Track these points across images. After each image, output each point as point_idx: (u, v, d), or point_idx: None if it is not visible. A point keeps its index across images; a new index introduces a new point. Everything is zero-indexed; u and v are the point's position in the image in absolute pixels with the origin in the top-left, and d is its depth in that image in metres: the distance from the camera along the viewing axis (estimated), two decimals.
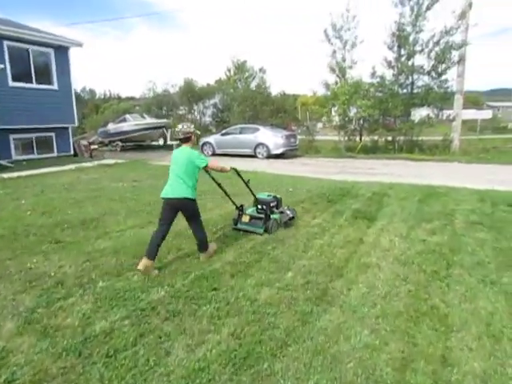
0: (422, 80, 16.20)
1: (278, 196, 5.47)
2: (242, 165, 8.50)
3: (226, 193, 4.81)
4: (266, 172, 10.76)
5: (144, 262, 3.63)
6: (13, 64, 12.76)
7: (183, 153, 3.95)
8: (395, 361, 2.45)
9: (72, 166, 11.61)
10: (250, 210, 5.21)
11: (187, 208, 3.94)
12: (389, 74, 16.52)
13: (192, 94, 24.18)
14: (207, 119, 26.50)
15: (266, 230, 4.93)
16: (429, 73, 15.83)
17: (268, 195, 5.35)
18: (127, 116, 21.55)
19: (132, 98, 38.34)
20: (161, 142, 22.33)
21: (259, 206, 5.16)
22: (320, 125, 23.75)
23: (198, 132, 4.28)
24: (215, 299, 3.17)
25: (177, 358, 2.43)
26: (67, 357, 2.42)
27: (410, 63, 15.91)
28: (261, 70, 28.27)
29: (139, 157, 16.43)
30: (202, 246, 4.08)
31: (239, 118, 21.48)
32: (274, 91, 26.80)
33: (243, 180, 4.87)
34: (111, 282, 3.44)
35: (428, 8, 15.31)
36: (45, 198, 7.15)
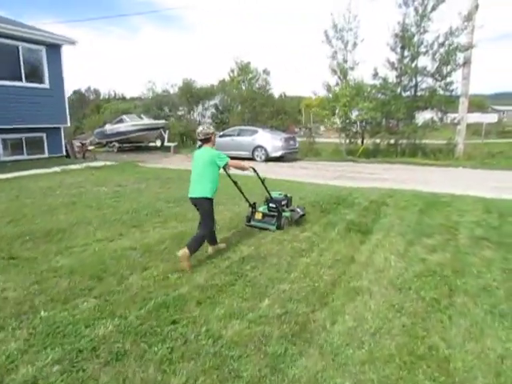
0: (426, 82, 15.76)
1: (289, 195, 5.71)
2: None
3: (241, 191, 5.02)
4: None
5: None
6: (2, 61, 12.34)
7: (204, 153, 4.12)
8: None
9: (58, 169, 11.13)
10: (262, 209, 5.47)
11: (202, 206, 4.09)
12: (391, 76, 16.08)
13: (191, 94, 23.69)
14: (207, 120, 26.06)
15: (278, 227, 5.18)
16: (433, 75, 15.34)
17: (279, 194, 5.60)
18: (124, 116, 21.15)
19: (137, 99, 37.95)
20: (158, 143, 21.89)
21: (270, 205, 5.39)
22: (323, 127, 23.31)
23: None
24: (171, 336, 2.66)
25: None
26: None
27: (413, 65, 15.42)
28: (264, 71, 27.83)
29: (134, 158, 16.01)
30: (192, 243, 3.91)
31: (238, 120, 21.01)
32: (276, 93, 26.34)
33: (260, 178, 5.09)
34: (54, 312, 2.93)
35: (433, 9, 14.83)
36: (18, 203, 6.67)
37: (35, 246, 4.50)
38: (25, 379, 2.22)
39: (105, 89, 58.81)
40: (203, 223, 4.13)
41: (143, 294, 3.30)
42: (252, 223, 5.36)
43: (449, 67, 14.95)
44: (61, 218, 5.74)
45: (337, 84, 16.97)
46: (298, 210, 5.57)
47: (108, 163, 13.10)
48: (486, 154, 15.70)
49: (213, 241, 4.33)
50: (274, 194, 5.48)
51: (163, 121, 21.43)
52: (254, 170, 4.87)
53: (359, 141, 17.99)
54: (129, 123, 20.05)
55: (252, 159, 14.96)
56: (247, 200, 5.25)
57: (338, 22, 16.16)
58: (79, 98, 42.45)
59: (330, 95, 17.13)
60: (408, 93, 16.14)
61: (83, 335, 2.64)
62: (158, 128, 20.52)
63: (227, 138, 16.02)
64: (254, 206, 5.37)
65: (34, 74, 13.46)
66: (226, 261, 4.10)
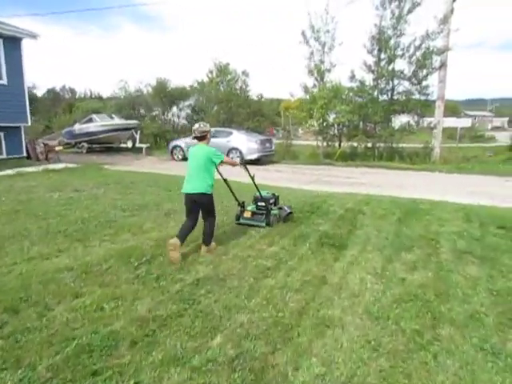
0: (403, 86, 15.65)
1: (276, 194, 5.89)
2: None
3: (230, 188, 5.05)
4: (233, 180, 9.66)
5: (174, 241, 3.91)
6: None
7: (200, 150, 4.19)
8: None
9: (11, 171, 10.21)
10: (250, 208, 5.58)
11: (204, 202, 4.17)
12: (368, 79, 15.88)
13: (165, 94, 22.83)
14: (182, 121, 25.23)
15: (267, 224, 5.32)
16: (409, 78, 15.24)
17: (267, 193, 5.69)
18: (94, 116, 20.14)
19: (113, 98, 36.62)
20: (129, 144, 20.97)
21: (259, 203, 5.51)
22: (301, 130, 22.95)
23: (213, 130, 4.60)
24: None
25: None
26: None
27: (390, 68, 15.26)
28: (243, 72, 27.22)
29: (103, 160, 15.14)
30: (207, 238, 4.27)
31: (214, 121, 20.35)
32: (254, 94, 25.70)
33: (250, 175, 5.20)
34: None
35: (409, 11, 14.73)
36: None
37: None
38: None
39: (81, 88, 56.83)
40: (208, 220, 4.29)
41: (66, 331, 2.66)
42: (241, 221, 5.46)
43: (425, 71, 14.90)
44: None
45: (314, 86, 16.63)
46: (286, 208, 5.75)
47: (70, 165, 12.21)
48: (461, 158, 15.73)
49: (182, 238, 4.09)
50: (263, 193, 5.56)
51: (135, 121, 20.50)
52: (245, 166, 5.11)
53: (336, 144, 17.71)
54: (98, 123, 19.09)
55: None
56: (236, 199, 5.33)
57: (315, 22, 15.82)
58: (53, 96, 40.74)
59: (308, 97, 16.76)
60: (385, 96, 16.03)
61: None
62: (129, 128, 19.62)
63: None
64: (242, 205, 5.47)
65: None
66: (177, 284, 3.49)
